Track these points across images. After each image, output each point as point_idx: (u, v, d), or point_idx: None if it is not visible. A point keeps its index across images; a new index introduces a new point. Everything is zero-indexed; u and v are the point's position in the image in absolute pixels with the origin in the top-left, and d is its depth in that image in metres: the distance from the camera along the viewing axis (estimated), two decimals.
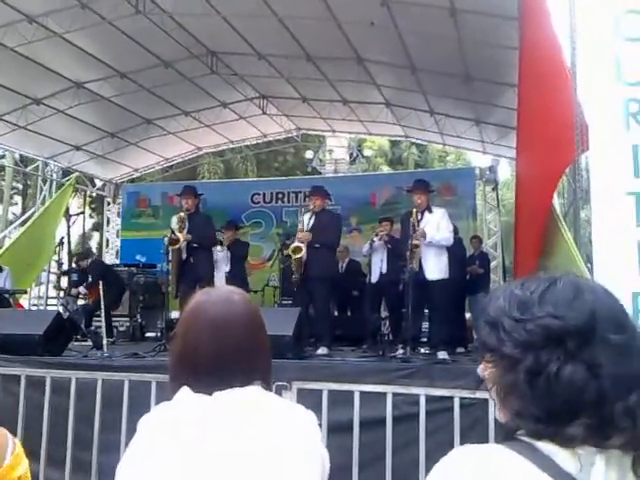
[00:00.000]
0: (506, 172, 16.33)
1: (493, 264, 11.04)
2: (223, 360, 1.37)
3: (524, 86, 5.65)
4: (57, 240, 9.51)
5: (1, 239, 13.44)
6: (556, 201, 6.97)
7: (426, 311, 7.00)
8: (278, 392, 3.69)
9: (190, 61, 9.53)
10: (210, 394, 1.33)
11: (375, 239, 8.00)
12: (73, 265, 9.54)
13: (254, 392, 1.35)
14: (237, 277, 8.25)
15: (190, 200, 7.18)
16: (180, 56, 9.40)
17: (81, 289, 8.89)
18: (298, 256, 6.77)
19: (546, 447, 0.87)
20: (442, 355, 6.07)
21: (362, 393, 3.57)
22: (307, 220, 7.08)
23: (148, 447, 1.32)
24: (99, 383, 3.71)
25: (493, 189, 12.00)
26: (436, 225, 6.54)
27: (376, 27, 7.80)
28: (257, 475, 1.26)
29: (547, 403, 0.89)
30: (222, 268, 8.40)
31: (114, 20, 8.05)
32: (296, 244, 6.84)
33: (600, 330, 0.88)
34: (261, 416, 1.32)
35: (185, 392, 1.37)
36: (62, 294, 9.46)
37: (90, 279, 8.64)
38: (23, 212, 16.45)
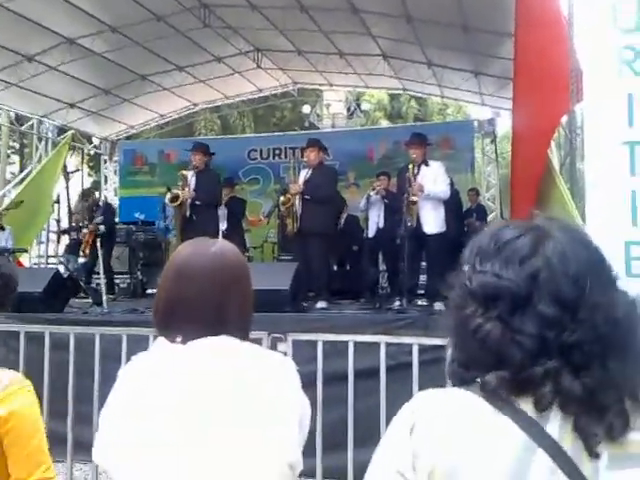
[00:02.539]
0: (506, 125, 16.10)
1: (491, 216, 11.05)
2: (184, 308, 1.39)
3: (520, 36, 5.56)
4: (54, 198, 9.51)
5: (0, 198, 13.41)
6: (555, 153, 6.93)
7: (424, 264, 7.05)
8: (273, 344, 3.74)
9: (182, 14, 9.34)
10: (184, 343, 1.37)
11: (372, 194, 7.99)
12: (73, 224, 9.55)
13: (226, 341, 1.36)
14: (234, 234, 8.25)
15: (198, 157, 7.12)
16: (172, 9, 9.21)
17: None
18: (287, 205, 6.80)
19: (505, 392, 0.90)
20: (438, 306, 6.14)
21: (356, 343, 3.62)
22: (304, 174, 7.06)
23: (126, 396, 1.37)
24: (97, 338, 3.77)
25: (492, 141, 11.92)
26: (433, 178, 6.53)
27: None
28: (228, 423, 1.29)
29: (469, 353, 0.93)
30: (220, 225, 8.40)
31: None
32: (286, 196, 6.86)
33: (536, 298, 0.89)
34: (233, 363, 1.35)
35: (160, 342, 1.40)
36: (62, 252, 9.51)
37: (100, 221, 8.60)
38: (21, 171, 16.37)
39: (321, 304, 6.55)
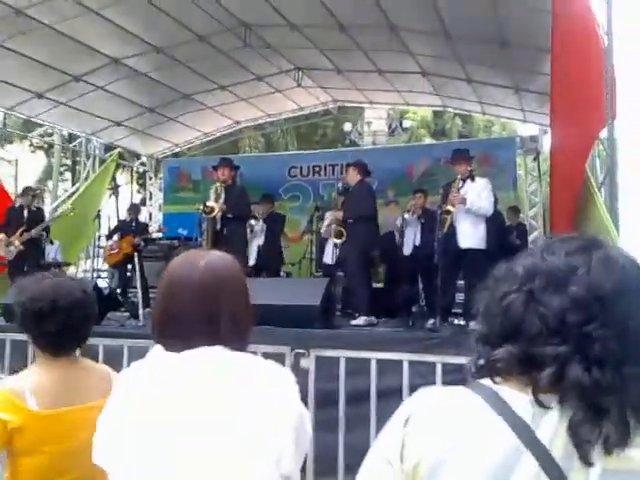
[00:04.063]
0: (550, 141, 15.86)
1: (533, 235, 10.82)
2: (176, 320, 1.41)
3: (556, 52, 5.47)
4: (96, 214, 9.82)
5: (51, 214, 13.86)
6: (598, 170, 6.76)
7: (462, 282, 6.92)
8: (296, 359, 3.74)
9: (224, 34, 9.53)
10: (178, 352, 1.38)
11: (406, 215, 7.95)
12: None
13: (217, 351, 1.37)
14: (271, 250, 8.31)
15: (226, 171, 7.26)
16: (214, 30, 9.41)
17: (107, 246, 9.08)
18: (340, 241, 6.87)
19: (506, 391, 0.91)
20: (473, 326, 6.01)
21: (382, 362, 3.58)
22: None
23: (120, 401, 1.40)
24: (125, 350, 3.83)
25: (534, 159, 11.69)
26: (477, 194, 6.41)
27: None
28: (220, 432, 1.29)
29: (492, 323, 0.95)
30: (256, 241, 8.47)
31: None
32: (338, 229, 6.92)
33: (570, 284, 0.90)
34: (225, 374, 1.35)
35: (156, 350, 1.42)
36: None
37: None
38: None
39: (357, 321, 6.51)
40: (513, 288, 0.93)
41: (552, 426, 0.86)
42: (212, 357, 1.36)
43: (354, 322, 6.48)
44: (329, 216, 8.25)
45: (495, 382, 0.93)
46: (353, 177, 7.10)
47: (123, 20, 8.81)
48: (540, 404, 0.87)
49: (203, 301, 1.41)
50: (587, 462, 0.83)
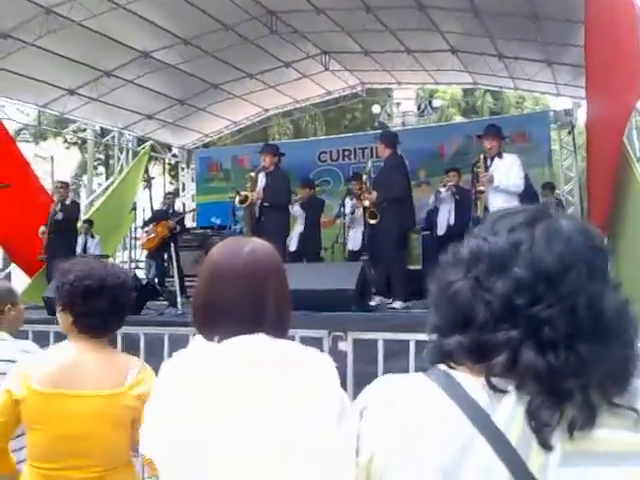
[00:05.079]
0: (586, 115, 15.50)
1: (570, 210, 10.62)
2: (219, 309, 1.41)
3: (590, 23, 5.33)
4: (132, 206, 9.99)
5: (87, 208, 14.14)
6: (635, 141, 6.60)
7: None
8: (334, 342, 3.76)
9: (250, 23, 9.55)
10: (220, 342, 1.39)
11: (442, 190, 7.85)
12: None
13: (261, 339, 1.37)
14: (310, 235, 8.23)
15: (268, 158, 7.18)
16: (240, 18, 9.44)
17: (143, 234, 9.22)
18: (375, 221, 6.74)
19: (462, 377, 0.87)
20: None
21: (417, 342, 3.56)
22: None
23: (165, 391, 1.42)
24: (166, 338, 3.90)
25: (569, 133, 11.44)
26: (506, 171, 6.29)
27: None
28: (263, 421, 1.30)
29: (442, 313, 0.91)
30: (297, 227, 8.41)
31: None
32: (371, 209, 6.79)
33: (513, 264, 0.86)
34: (268, 362, 1.35)
35: (197, 340, 1.44)
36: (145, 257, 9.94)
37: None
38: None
39: (397, 304, 6.47)
40: (459, 276, 0.89)
41: (509, 411, 0.83)
42: (255, 346, 1.37)
43: (391, 305, 6.47)
44: (349, 203, 8.20)
45: (451, 367, 0.89)
46: (383, 152, 7.02)
47: (150, 13, 8.89)
48: (495, 389, 0.83)
49: (248, 288, 1.41)
50: (546, 446, 0.80)
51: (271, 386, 1.33)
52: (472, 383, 0.86)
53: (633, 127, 6.43)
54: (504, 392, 0.84)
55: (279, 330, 1.43)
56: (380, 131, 9.31)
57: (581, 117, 11.98)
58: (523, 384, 0.82)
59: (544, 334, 0.82)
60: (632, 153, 5.47)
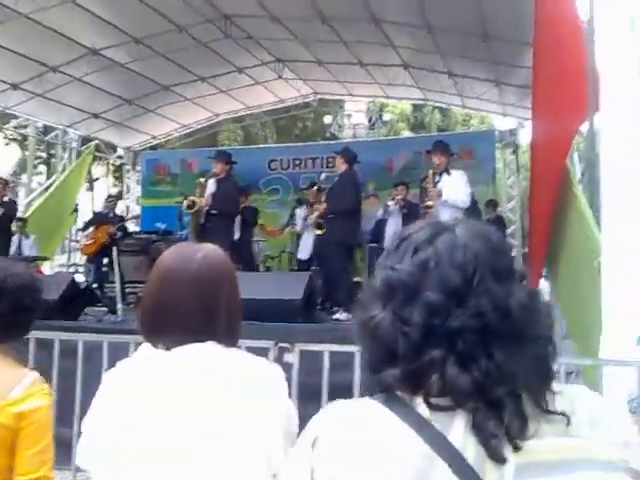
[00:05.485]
0: (530, 135, 15.99)
1: (512, 228, 10.91)
2: (169, 315, 1.36)
3: (538, 45, 5.48)
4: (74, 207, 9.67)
5: (25, 207, 13.64)
6: (576, 164, 6.81)
7: None
8: (280, 354, 3.70)
9: (204, 25, 9.44)
10: (169, 349, 1.33)
11: (390, 203, 7.93)
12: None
13: (211, 348, 1.33)
14: (244, 243, 8.22)
15: (220, 165, 7.16)
16: (194, 20, 9.31)
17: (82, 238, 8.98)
18: (321, 232, 6.81)
19: (411, 400, 0.86)
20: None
21: (363, 354, 3.55)
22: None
23: (108, 401, 1.35)
24: (105, 345, 3.76)
25: (513, 152, 11.78)
26: (453, 187, 6.43)
27: None
28: (212, 431, 1.26)
29: (368, 350, 0.90)
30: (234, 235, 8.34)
31: None
32: (318, 221, 6.85)
33: (424, 287, 0.85)
34: (217, 371, 1.32)
35: (144, 348, 1.38)
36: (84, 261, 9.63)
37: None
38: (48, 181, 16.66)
39: (340, 315, 6.48)
40: (376, 312, 0.88)
41: (462, 428, 0.81)
42: (205, 354, 1.32)
43: (335, 316, 6.46)
44: (301, 212, 8.25)
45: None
46: (340, 166, 7.08)
47: (100, 10, 8.66)
48: (438, 407, 0.83)
49: (200, 293, 1.37)
50: (497, 459, 0.79)
51: (219, 393, 1.29)
52: (424, 406, 0.85)
53: (574, 150, 6.63)
54: (452, 409, 0.82)
55: (230, 338, 1.40)
56: (333, 142, 9.42)
57: (524, 137, 12.36)
58: (460, 400, 0.82)
59: (459, 347, 0.82)
60: (573, 174, 5.64)
